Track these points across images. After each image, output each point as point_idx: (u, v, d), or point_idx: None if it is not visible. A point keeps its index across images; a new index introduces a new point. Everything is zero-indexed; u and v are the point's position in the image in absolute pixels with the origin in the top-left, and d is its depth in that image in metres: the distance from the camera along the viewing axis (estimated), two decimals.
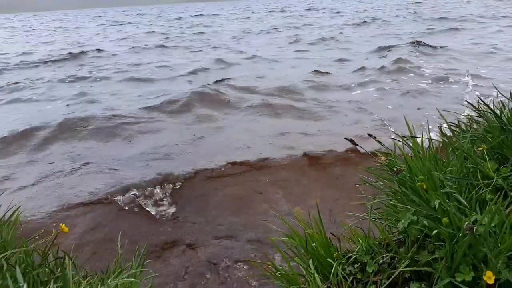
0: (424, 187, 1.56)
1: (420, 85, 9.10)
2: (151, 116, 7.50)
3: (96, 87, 10.66)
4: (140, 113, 7.67)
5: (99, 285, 1.42)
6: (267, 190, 4.35)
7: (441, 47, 13.71)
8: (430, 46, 14.07)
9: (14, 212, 1.96)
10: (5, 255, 1.64)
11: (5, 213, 1.97)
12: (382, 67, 10.90)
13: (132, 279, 1.46)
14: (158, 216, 3.95)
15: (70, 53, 17.66)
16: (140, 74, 12.29)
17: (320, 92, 9.03)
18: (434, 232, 1.52)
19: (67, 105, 8.85)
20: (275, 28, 25.18)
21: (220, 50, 16.58)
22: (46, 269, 1.72)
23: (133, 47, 19.29)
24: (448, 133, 1.95)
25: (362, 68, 11.11)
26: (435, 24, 21.56)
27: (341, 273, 1.89)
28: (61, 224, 1.78)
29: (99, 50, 18.50)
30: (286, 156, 5.30)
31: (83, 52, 17.82)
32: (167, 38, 23.23)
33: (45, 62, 15.57)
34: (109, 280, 1.40)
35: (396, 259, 1.83)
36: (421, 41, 14.95)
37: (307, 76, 10.63)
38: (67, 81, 11.79)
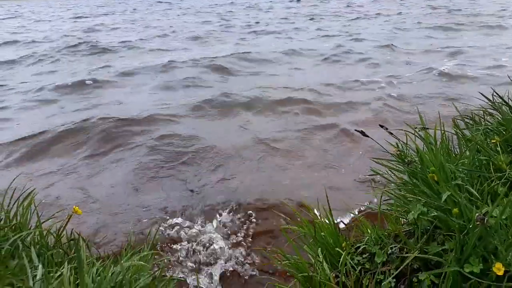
0: (435, 178, 1.56)
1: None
2: None
3: None
4: None
5: (112, 267, 1.45)
6: None
7: None
8: None
9: (29, 194, 2.00)
10: (21, 236, 1.68)
11: (19, 196, 2.01)
12: None
13: (143, 263, 1.49)
14: None
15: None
16: None
17: None
18: (444, 221, 1.52)
19: None
20: None
21: None
22: (60, 250, 1.76)
23: None
24: (462, 125, 1.94)
25: None
26: None
27: (350, 262, 1.91)
28: (74, 207, 1.82)
29: None
30: None
31: None
32: None
33: None
34: (122, 261, 1.44)
35: (405, 250, 1.84)
36: None
37: None
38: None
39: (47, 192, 4.27)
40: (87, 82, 9.38)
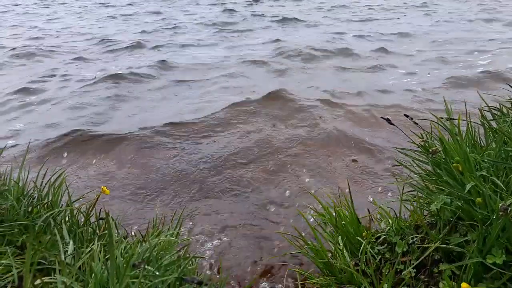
0: (460, 168, 1.55)
1: None
2: None
3: None
4: None
5: (139, 244, 1.51)
6: None
7: None
8: None
9: (60, 175, 2.09)
10: (53, 213, 1.76)
11: (51, 176, 2.10)
12: None
13: (172, 238, 1.55)
14: None
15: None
16: None
17: None
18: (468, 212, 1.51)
19: None
20: None
21: None
22: (90, 228, 1.84)
23: None
24: (489, 116, 1.91)
25: None
26: None
27: (370, 251, 1.92)
28: (102, 187, 1.89)
29: None
30: None
31: None
32: None
33: None
34: (149, 239, 1.50)
35: (426, 241, 1.84)
36: None
37: None
38: None
39: (82, 174, 4.38)
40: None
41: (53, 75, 9.37)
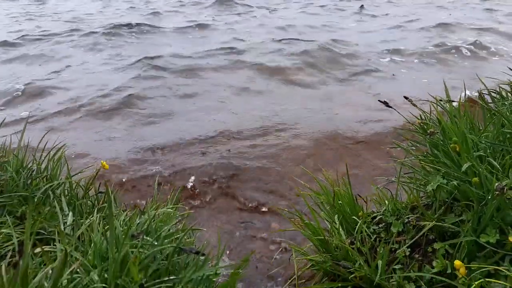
0: (457, 149, 1.57)
1: None
2: None
3: None
4: None
5: (138, 216, 1.53)
6: None
7: None
8: None
9: (59, 149, 2.09)
10: (52, 186, 1.77)
11: (50, 150, 2.10)
12: None
13: (170, 210, 1.57)
14: None
15: None
16: None
17: None
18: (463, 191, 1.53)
19: None
20: None
21: None
22: (89, 201, 1.85)
23: None
24: (488, 99, 1.92)
25: None
26: None
27: (366, 230, 1.95)
28: (102, 161, 1.90)
29: None
30: None
31: None
32: None
33: None
34: (149, 211, 1.52)
35: (421, 222, 1.86)
36: None
37: None
38: None
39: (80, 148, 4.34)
40: None
41: None
